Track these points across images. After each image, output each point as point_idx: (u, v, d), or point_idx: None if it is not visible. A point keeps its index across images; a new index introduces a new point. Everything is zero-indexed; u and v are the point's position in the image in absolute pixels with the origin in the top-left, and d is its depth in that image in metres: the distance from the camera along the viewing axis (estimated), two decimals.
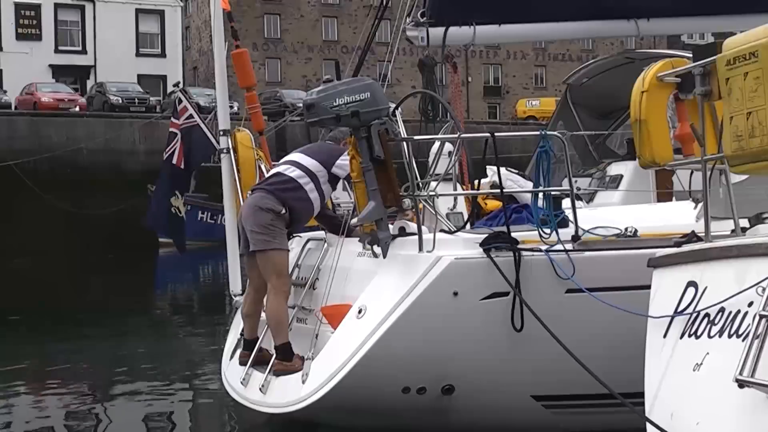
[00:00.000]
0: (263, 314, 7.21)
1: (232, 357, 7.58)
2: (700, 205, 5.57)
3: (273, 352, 6.90)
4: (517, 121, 47.19)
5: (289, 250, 7.10)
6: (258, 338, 7.21)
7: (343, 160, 6.88)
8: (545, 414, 6.33)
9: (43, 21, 48.45)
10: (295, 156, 7.21)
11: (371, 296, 6.21)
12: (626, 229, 6.33)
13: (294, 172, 7.01)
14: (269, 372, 6.74)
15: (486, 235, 6.07)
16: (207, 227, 25.83)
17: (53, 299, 18.33)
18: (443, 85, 9.86)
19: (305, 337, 6.82)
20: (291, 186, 6.95)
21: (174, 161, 9.48)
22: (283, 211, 6.89)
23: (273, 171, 7.29)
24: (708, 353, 4.18)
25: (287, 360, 6.73)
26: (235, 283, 8.52)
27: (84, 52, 49.71)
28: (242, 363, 7.18)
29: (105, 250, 27.40)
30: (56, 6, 48.85)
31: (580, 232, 6.19)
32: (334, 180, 7.05)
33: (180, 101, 9.68)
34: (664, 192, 8.43)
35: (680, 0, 9.29)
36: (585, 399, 6.04)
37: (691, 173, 6.37)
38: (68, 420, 8.02)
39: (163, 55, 51.34)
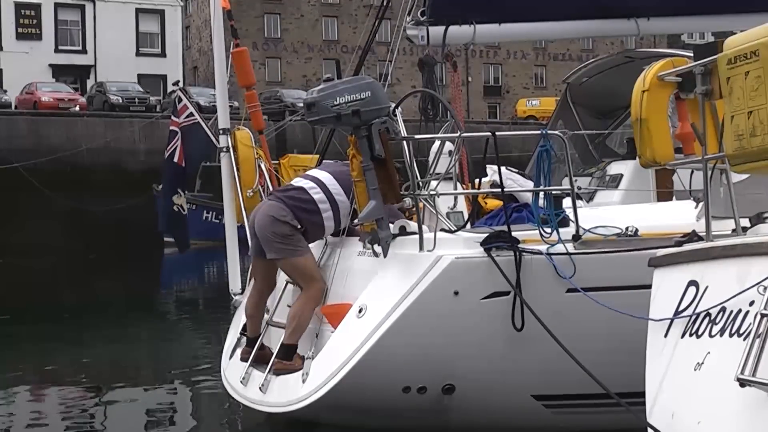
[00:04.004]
0: (265, 315, 7.24)
1: (231, 356, 7.57)
2: (701, 204, 5.56)
3: (274, 351, 6.90)
4: (517, 120, 47.16)
5: (311, 252, 6.99)
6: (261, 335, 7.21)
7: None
8: (546, 414, 6.33)
9: (43, 21, 48.48)
10: (325, 177, 7.02)
11: (372, 295, 6.20)
12: (627, 228, 6.32)
13: (317, 195, 6.88)
14: (269, 371, 6.74)
15: (487, 235, 6.06)
16: (212, 227, 25.78)
17: (53, 298, 18.33)
18: (443, 85, 9.84)
19: (306, 337, 6.81)
20: (310, 208, 6.85)
21: (175, 159, 9.48)
22: (299, 226, 6.84)
23: (298, 183, 7.10)
24: (709, 353, 4.17)
25: (287, 359, 6.72)
26: (235, 282, 8.52)
27: (84, 51, 49.74)
28: (243, 359, 7.18)
29: (105, 250, 27.40)
30: (56, 5, 48.88)
31: (581, 232, 6.18)
32: (355, 213, 6.89)
33: (180, 100, 9.67)
34: (665, 191, 8.42)
35: None
36: (585, 399, 6.03)
37: (692, 172, 6.37)
38: (68, 420, 8.01)
39: (163, 54, 51.37)
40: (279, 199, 6.96)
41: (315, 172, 7.19)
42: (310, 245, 7.31)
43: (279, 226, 6.80)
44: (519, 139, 22.02)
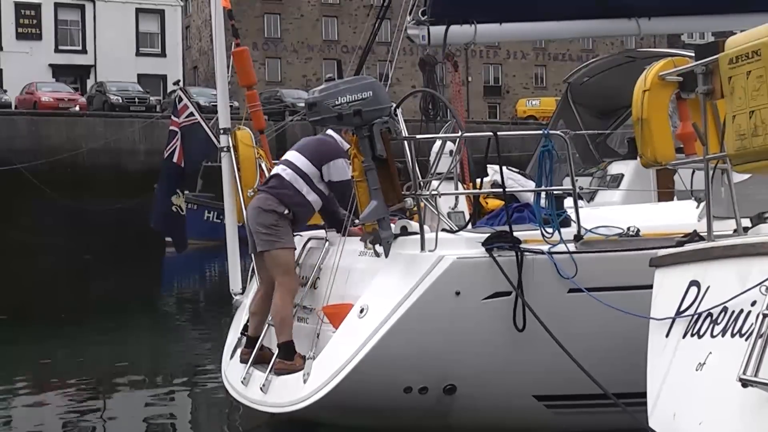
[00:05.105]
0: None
1: (232, 356, 7.57)
2: (702, 204, 5.56)
3: (274, 351, 6.90)
4: (517, 120, 47.16)
5: (295, 248, 7.11)
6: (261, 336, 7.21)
7: (335, 166, 6.88)
8: (547, 414, 6.32)
9: (43, 20, 48.48)
10: (290, 155, 7.22)
11: (373, 296, 6.20)
12: (628, 228, 6.31)
13: (289, 174, 7.02)
14: (270, 371, 6.74)
15: (488, 235, 6.06)
16: (213, 227, 25.82)
17: (53, 298, 18.31)
18: (443, 85, 9.84)
19: (307, 337, 6.81)
20: (290, 192, 6.97)
21: (174, 159, 9.48)
22: (286, 211, 6.92)
23: (273, 171, 7.31)
24: (711, 353, 4.17)
25: (288, 359, 6.72)
26: (235, 282, 8.52)
27: (84, 51, 49.74)
28: (243, 361, 7.17)
29: (105, 250, 27.40)
30: (56, 5, 48.87)
31: (583, 232, 6.18)
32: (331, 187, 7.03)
33: (180, 99, 9.67)
34: (666, 191, 8.41)
35: None
36: (587, 399, 6.03)
37: (693, 172, 6.37)
38: (68, 419, 8.00)
39: (163, 54, 51.35)
40: (263, 192, 7.11)
41: (286, 155, 7.31)
42: (313, 246, 7.33)
43: (264, 216, 6.91)
44: (519, 139, 22.03)
